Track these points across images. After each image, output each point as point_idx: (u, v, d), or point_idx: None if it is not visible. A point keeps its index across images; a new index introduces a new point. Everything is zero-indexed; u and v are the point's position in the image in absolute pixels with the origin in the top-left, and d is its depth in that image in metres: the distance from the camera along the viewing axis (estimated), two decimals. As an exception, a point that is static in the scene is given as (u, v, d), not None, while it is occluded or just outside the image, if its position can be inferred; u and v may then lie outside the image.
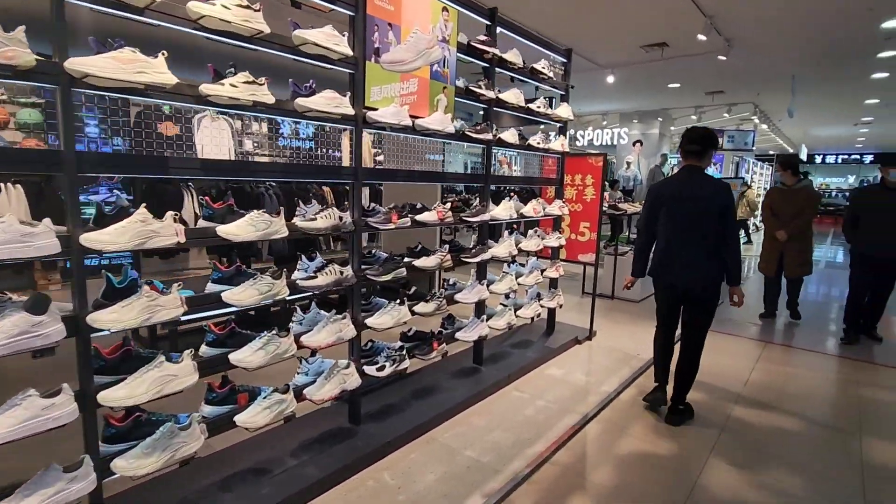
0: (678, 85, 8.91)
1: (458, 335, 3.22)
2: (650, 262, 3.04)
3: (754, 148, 12.20)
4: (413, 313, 2.82)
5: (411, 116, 2.58)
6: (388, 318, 2.66)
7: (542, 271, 4.06)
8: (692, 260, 2.79)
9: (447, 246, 3.14)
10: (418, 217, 2.84)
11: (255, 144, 4.22)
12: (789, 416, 3.12)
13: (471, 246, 3.33)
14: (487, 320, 3.46)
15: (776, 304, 5.30)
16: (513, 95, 3.40)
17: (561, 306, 4.27)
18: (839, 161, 22.04)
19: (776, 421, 3.05)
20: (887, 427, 3.02)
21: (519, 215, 3.66)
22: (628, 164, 11.60)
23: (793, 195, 4.85)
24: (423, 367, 3.23)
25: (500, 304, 3.81)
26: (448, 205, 3.08)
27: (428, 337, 3.03)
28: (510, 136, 3.44)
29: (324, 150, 3.05)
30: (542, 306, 4.04)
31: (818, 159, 22.78)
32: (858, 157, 21.61)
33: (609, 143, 11.44)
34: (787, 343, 4.59)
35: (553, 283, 4.29)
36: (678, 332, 3.07)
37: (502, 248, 3.46)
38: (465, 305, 3.27)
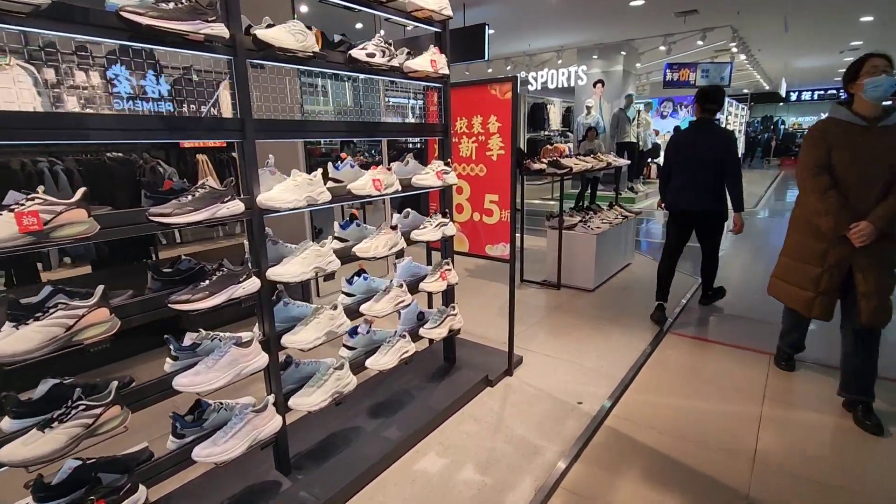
0: (642, 1, 7.12)
1: (195, 453, 1.59)
2: (668, 196, 3.65)
3: (730, 85, 10.61)
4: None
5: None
6: None
7: (419, 283, 2.43)
8: (706, 190, 3.46)
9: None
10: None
11: (83, 103, 2.51)
12: None
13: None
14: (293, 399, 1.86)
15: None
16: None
17: (455, 333, 2.68)
18: (815, 97, 20.73)
19: None
20: None
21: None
22: (588, 108, 9.87)
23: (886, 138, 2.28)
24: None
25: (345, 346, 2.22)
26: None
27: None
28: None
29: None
30: (422, 336, 2.44)
31: (793, 96, 21.40)
32: (835, 91, 20.29)
33: (566, 84, 9.71)
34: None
35: (448, 296, 2.68)
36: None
37: (292, 265, 1.78)
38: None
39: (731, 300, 4.01)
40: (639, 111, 9.54)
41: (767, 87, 16.98)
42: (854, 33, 9.82)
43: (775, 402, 2.56)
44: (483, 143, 2.81)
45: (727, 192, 3.46)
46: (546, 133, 13.80)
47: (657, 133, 12.40)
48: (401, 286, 2.27)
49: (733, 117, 13.77)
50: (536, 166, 4.54)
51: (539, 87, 10.13)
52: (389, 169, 2.20)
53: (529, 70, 10.26)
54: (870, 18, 8.73)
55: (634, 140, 9.38)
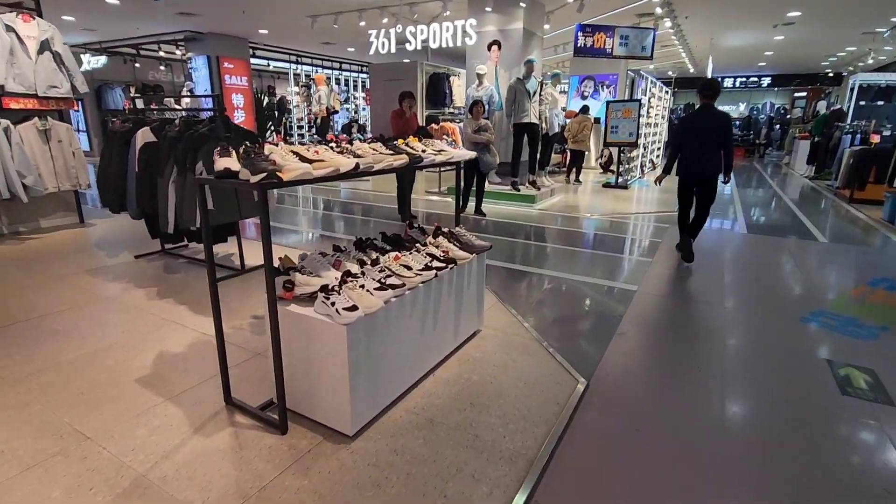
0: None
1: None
2: (678, 166, 4.58)
3: (652, 57, 8.75)
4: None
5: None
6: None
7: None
8: (707, 161, 4.36)
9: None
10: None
11: None
12: None
13: None
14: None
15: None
16: None
17: None
18: (737, 84, 19.95)
19: None
20: None
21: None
22: (480, 77, 7.57)
23: None
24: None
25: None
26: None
27: None
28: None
29: None
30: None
31: (716, 83, 20.51)
32: (757, 78, 19.59)
33: (451, 44, 7.37)
34: None
35: None
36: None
37: None
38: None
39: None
40: (541, 83, 7.36)
41: (692, 70, 15.65)
42: (791, 2, 8.20)
43: None
44: None
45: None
46: (450, 110, 11.45)
47: (574, 114, 10.40)
48: None
49: (656, 100, 12.11)
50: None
51: (418, 47, 7.69)
52: None
53: (406, 25, 7.75)
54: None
55: (535, 120, 7.23)
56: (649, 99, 10.85)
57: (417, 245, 2.54)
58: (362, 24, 8.52)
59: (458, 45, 7.38)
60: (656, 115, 12.39)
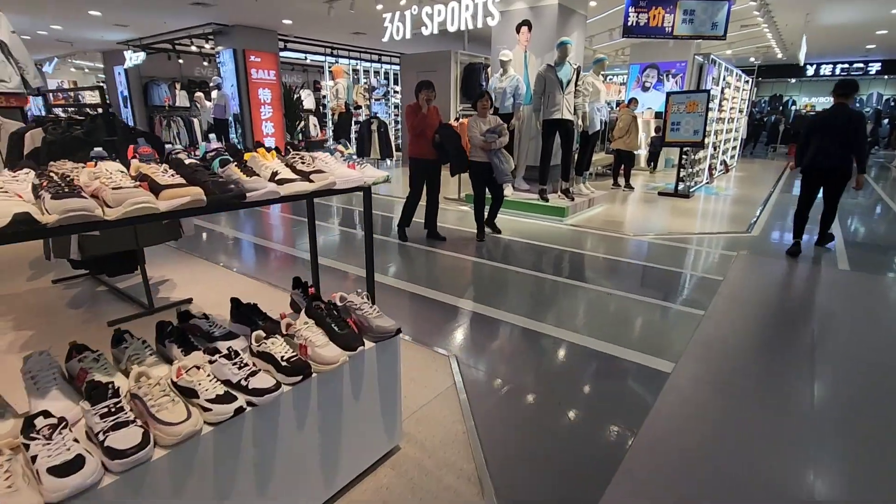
0: None
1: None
2: (804, 157, 4.59)
3: (725, 37, 7.05)
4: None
5: None
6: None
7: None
8: (835, 154, 4.41)
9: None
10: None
11: None
12: None
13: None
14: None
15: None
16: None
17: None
18: (837, 72, 16.97)
19: None
20: None
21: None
22: (504, 65, 6.35)
23: None
24: None
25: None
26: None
27: None
28: None
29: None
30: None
31: (810, 70, 17.64)
32: (862, 65, 16.55)
33: (471, 25, 6.20)
34: None
35: None
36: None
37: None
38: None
39: None
40: (577, 70, 6.02)
41: (781, 56, 13.30)
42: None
43: None
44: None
45: (853, 156, 4.40)
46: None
47: (624, 106, 8.88)
48: None
49: (733, 91, 10.21)
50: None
51: (434, 31, 6.59)
52: None
53: (421, 5, 6.67)
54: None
55: (570, 116, 5.92)
56: (723, 89, 9.06)
57: (260, 338, 1.49)
58: (379, 6, 7.55)
59: (478, 26, 6.21)
60: (732, 108, 10.48)
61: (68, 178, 1.14)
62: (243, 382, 1.31)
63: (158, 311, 3.23)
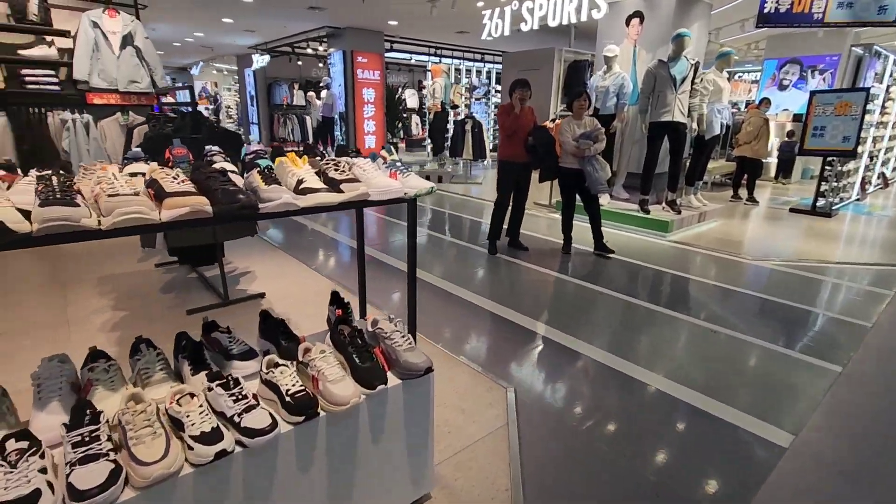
0: None
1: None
2: None
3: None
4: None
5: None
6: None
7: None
8: None
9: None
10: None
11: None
12: None
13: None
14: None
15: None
16: None
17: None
18: None
19: None
20: None
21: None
22: (608, 61, 5.78)
23: None
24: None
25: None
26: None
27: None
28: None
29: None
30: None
31: None
32: None
33: (574, 20, 5.69)
34: None
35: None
36: None
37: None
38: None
39: None
40: (695, 66, 5.27)
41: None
42: None
43: None
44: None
45: None
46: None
47: (754, 107, 7.75)
48: None
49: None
50: None
51: (535, 26, 6.20)
52: None
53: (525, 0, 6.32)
54: None
55: (682, 118, 5.21)
56: (888, 87, 7.49)
57: (272, 363, 1.34)
58: (480, 3, 7.35)
59: (582, 19, 5.72)
60: (899, 110, 8.65)
61: (67, 184, 1.06)
62: (236, 418, 1.16)
63: (233, 304, 3.34)
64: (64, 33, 4.76)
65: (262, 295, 3.50)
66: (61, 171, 1.10)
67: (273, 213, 1.24)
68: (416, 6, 8.52)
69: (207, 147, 1.68)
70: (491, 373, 2.53)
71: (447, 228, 5.98)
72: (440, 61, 13.51)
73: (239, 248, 4.44)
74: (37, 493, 0.92)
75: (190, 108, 3.01)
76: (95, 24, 4.74)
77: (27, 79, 4.63)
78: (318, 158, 1.48)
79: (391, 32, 11.85)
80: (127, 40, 4.93)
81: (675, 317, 3.35)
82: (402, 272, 4.15)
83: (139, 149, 2.02)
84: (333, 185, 1.37)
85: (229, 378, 1.22)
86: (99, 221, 1.05)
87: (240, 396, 1.20)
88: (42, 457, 1.00)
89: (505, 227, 4.89)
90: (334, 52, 11.65)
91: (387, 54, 12.59)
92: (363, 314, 1.98)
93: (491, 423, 2.12)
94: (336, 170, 1.43)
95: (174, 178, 1.17)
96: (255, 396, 1.23)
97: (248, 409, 1.18)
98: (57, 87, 4.76)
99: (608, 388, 2.48)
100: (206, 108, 22.55)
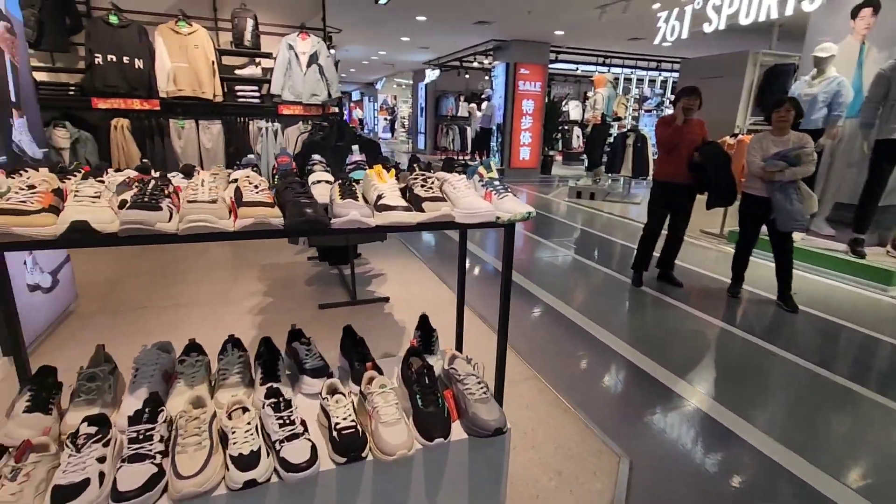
0: None
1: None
2: None
3: None
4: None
5: None
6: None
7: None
8: None
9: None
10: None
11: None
12: None
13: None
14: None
15: None
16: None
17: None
18: None
19: None
20: None
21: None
22: (819, 63, 4.64)
23: None
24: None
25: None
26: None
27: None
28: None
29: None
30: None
31: None
32: None
33: (775, 14, 4.63)
34: None
35: None
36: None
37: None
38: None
39: None
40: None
41: None
42: None
43: None
44: None
45: None
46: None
47: None
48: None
49: None
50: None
51: (721, 26, 5.29)
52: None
53: (712, -4, 5.45)
54: None
55: (929, 137, 3.89)
56: None
57: (332, 389, 1.26)
58: (656, 5, 6.64)
59: (786, 13, 4.70)
60: None
61: (159, 188, 1.11)
62: (278, 445, 1.09)
63: (360, 304, 3.49)
64: (268, 55, 5.61)
65: (386, 299, 3.59)
66: (160, 175, 1.16)
67: (343, 230, 1.15)
68: (584, 13, 8.11)
69: (350, 155, 1.74)
70: (606, 434, 2.13)
71: (594, 253, 5.48)
72: (608, 70, 12.72)
73: (378, 249, 4.67)
74: (84, 483, 0.96)
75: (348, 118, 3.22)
76: (291, 47, 5.49)
77: (238, 93, 5.59)
78: (410, 173, 1.35)
79: (558, 43, 11.56)
80: (313, 59, 5.60)
81: (886, 405, 2.46)
82: (536, 299, 3.88)
83: (252, 156, 2.17)
84: (416, 203, 1.24)
85: (281, 398, 1.16)
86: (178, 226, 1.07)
87: (287, 421, 1.13)
88: (106, 444, 1.05)
89: (657, 254, 4.24)
90: (498, 64, 11.81)
91: (552, 65, 12.32)
92: (459, 345, 1.81)
93: (592, 498, 1.75)
94: (423, 186, 1.29)
95: (255, 187, 1.15)
96: (302, 423, 1.15)
97: (292, 438, 1.10)
98: (258, 100, 5.66)
99: (770, 489, 1.88)
100: (385, 119, 25.13)
